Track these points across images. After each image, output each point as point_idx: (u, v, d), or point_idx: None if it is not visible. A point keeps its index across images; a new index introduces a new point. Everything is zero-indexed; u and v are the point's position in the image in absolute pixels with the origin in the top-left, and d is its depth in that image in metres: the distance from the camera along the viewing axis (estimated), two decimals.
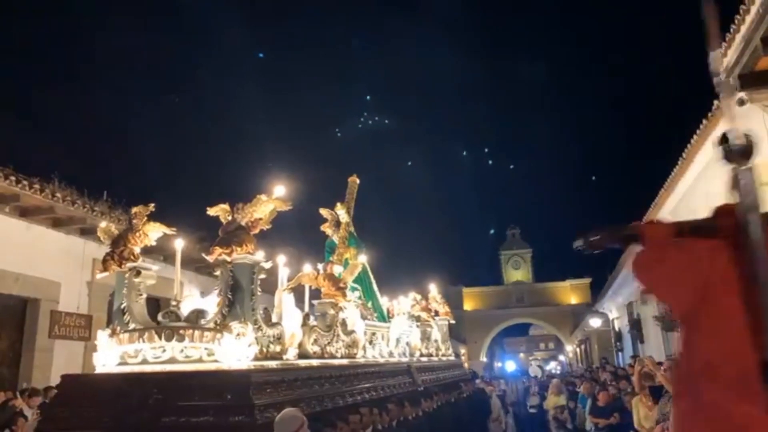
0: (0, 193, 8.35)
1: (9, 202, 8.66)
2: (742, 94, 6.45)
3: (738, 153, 1.43)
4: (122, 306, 4.37)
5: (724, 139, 1.45)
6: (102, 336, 4.22)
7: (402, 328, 7.90)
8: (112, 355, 4.18)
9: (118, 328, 4.25)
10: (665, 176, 10.12)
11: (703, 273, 1.41)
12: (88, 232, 9.54)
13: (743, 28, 5.99)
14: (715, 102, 7.04)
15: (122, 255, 4.33)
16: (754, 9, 5.68)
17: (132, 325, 4.26)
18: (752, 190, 1.40)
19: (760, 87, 6.39)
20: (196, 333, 3.99)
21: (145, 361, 4.11)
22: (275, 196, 4.33)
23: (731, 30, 6.20)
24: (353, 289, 6.93)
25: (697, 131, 7.85)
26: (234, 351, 3.95)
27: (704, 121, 7.56)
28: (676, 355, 1.60)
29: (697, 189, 9.60)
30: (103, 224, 4.59)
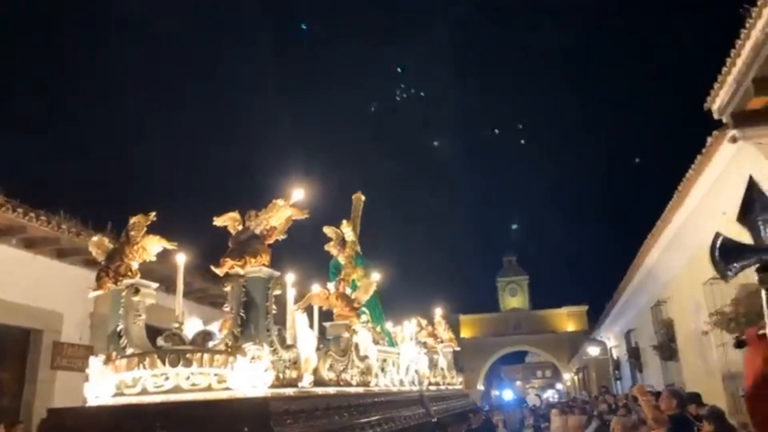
0: (8, 225, 8.39)
1: (16, 233, 8.69)
2: (734, 132, 6.68)
3: None
4: (118, 328, 3.82)
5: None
6: (95, 363, 3.65)
7: (411, 355, 7.41)
8: (106, 384, 3.61)
9: (114, 353, 3.71)
10: (661, 208, 10.48)
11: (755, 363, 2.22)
12: (92, 264, 9.39)
13: (735, 70, 6.21)
14: (709, 138, 7.26)
15: (118, 270, 3.80)
16: (745, 51, 5.92)
17: (130, 350, 3.73)
18: None
19: (752, 125, 6.58)
20: (206, 357, 3.46)
21: (144, 391, 3.56)
22: (292, 202, 3.86)
23: (723, 71, 6.42)
24: (362, 312, 6.44)
25: (692, 166, 8.16)
26: (248, 377, 3.44)
27: (698, 156, 7.80)
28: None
29: (688, 224, 10.07)
30: (95, 238, 4.07)
